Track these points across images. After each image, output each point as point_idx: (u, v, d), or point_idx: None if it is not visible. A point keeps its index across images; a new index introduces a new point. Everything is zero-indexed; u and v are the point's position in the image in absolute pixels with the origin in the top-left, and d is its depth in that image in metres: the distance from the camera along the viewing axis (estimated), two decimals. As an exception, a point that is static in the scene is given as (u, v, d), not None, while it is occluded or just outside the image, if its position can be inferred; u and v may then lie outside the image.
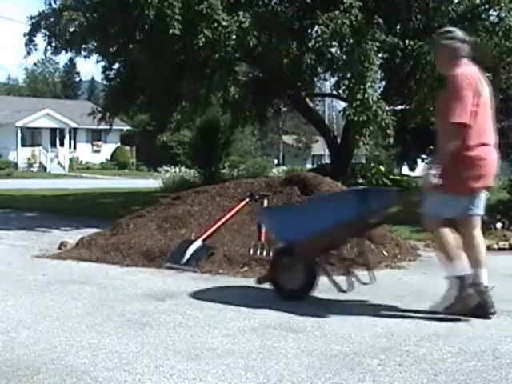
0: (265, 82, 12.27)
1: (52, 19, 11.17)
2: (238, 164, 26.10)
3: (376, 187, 5.06)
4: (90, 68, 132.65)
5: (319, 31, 9.17)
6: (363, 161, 26.40)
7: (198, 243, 6.10)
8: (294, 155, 51.49)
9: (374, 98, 8.99)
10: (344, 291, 4.76)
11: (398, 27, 10.76)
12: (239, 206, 6.49)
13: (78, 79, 73.19)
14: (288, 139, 53.98)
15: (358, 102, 8.89)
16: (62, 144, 42.44)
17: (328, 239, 4.66)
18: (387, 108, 9.38)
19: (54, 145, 42.36)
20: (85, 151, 44.78)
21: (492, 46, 10.13)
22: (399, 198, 5.10)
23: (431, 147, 25.63)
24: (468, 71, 4.31)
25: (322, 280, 5.54)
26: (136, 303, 4.79)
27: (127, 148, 45.17)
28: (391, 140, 9.56)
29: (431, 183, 4.23)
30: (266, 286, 5.39)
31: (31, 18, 11.61)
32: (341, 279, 4.92)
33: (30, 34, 11.60)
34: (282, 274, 4.88)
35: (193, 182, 16.96)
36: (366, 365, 3.41)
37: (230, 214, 6.48)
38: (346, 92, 9.76)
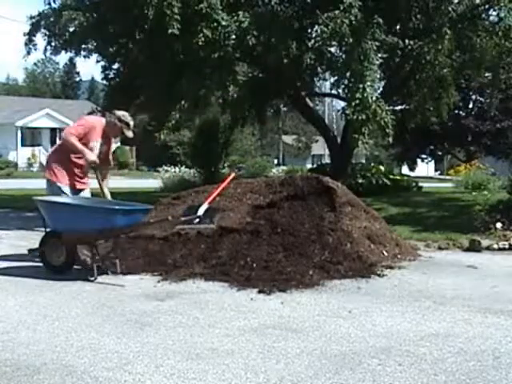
0: (264, 82, 12.24)
1: (52, 19, 11.14)
2: (237, 164, 26.07)
3: (130, 206, 6.02)
4: (90, 68, 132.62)
5: (319, 31, 9.15)
6: (363, 161, 26.38)
7: (205, 205, 6.14)
8: (294, 155, 51.50)
9: (374, 98, 8.97)
10: (92, 280, 5.56)
11: (398, 27, 10.75)
12: (229, 179, 6.85)
13: (78, 79, 73.22)
14: (288, 139, 54.00)
15: (358, 101, 8.87)
16: (61, 144, 42.42)
17: (86, 236, 5.72)
18: (387, 107, 9.37)
19: (54, 145, 42.24)
20: (85, 151, 44.69)
21: (492, 45, 10.12)
22: (146, 216, 6.22)
23: (431, 147, 25.76)
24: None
25: (322, 281, 5.54)
26: (136, 303, 4.79)
27: (127, 148, 45.11)
28: (390, 139, 9.54)
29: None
30: (267, 286, 5.40)
31: (31, 17, 11.57)
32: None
33: (30, 34, 11.56)
34: (50, 252, 5.94)
35: (193, 182, 16.95)
36: (366, 365, 3.41)
37: (223, 185, 6.73)
38: (346, 91, 9.75)
